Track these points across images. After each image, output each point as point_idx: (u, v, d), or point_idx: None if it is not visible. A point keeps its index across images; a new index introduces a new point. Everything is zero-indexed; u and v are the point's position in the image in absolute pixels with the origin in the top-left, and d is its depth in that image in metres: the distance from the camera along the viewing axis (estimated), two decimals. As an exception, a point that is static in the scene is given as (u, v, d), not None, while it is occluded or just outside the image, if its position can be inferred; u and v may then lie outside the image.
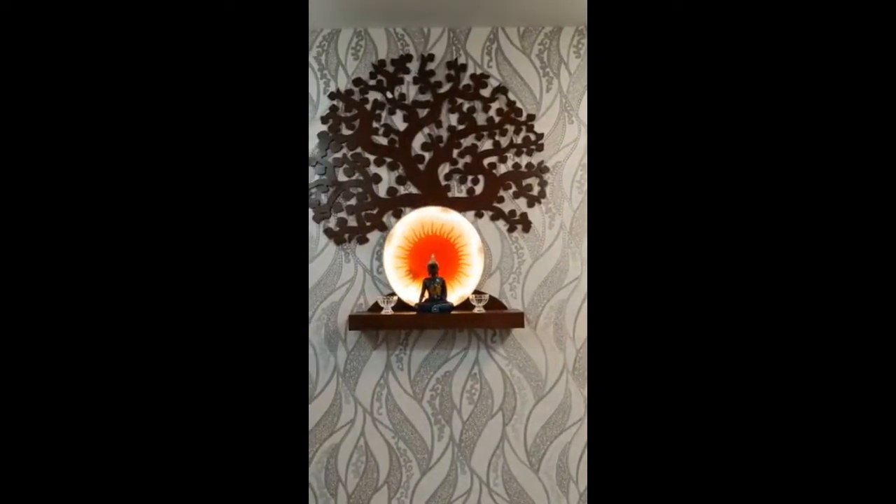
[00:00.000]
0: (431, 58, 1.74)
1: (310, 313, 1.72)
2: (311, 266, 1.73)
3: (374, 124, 1.73)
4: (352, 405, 1.71)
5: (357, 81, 1.73)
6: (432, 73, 1.73)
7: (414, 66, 1.74)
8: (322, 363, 1.72)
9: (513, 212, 1.71)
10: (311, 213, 1.73)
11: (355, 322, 1.56)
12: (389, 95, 1.73)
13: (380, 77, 1.73)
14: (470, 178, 1.72)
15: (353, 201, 1.72)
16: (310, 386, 1.72)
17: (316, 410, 1.71)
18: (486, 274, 1.71)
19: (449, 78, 1.73)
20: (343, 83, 1.74)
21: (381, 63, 1.74)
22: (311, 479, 1.70)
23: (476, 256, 1.68)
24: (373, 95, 1.73)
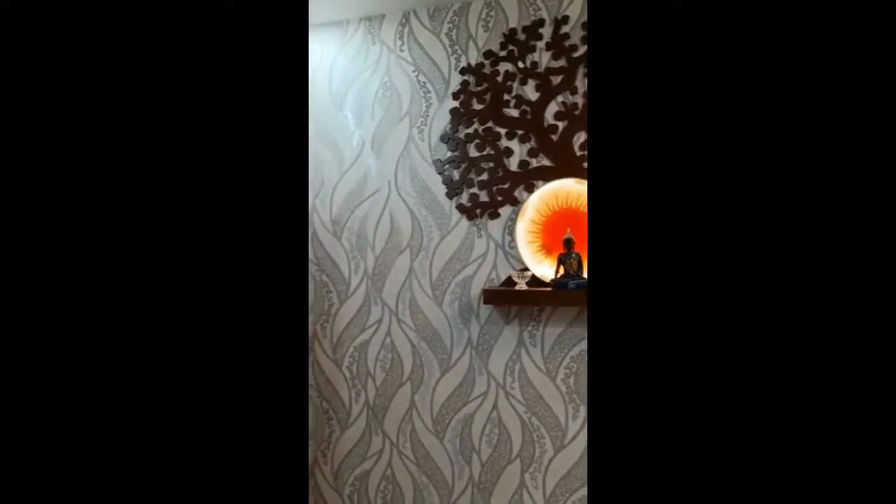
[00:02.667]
0: (566, 20, 1.64)
1: (444, 287, 1.78)
2: (444, 241, 1.78)
3: (506, 96, 1.69)
4: (485, 378, 1.74)
5: (488, 54, 1.71)
6: (566, 36, 1.63)
7: (547, 32, 1.66)
8: (456, 336, 1.77)
9: (658, 181, 1.56)
10: (443, 189, 1.77)
11: (490, 296, 1.57)
12: (521, 65, 1.68)
13: (511, 47, 1.68)
14: (608, 146, 1.60)
15: (484, 176, 1.72)
16: (445, 357, 1.79)
17: (452, 380, 1.78)
18: (627, 249, 1.59)
19: (585, 40, 1.62)
20: (474, 57, 1.73)
21: (513, 32, 1.69)
22: (447, 445, 1.79)
23: (615, 230, 1.57)
24: (504, 67, 1.70)
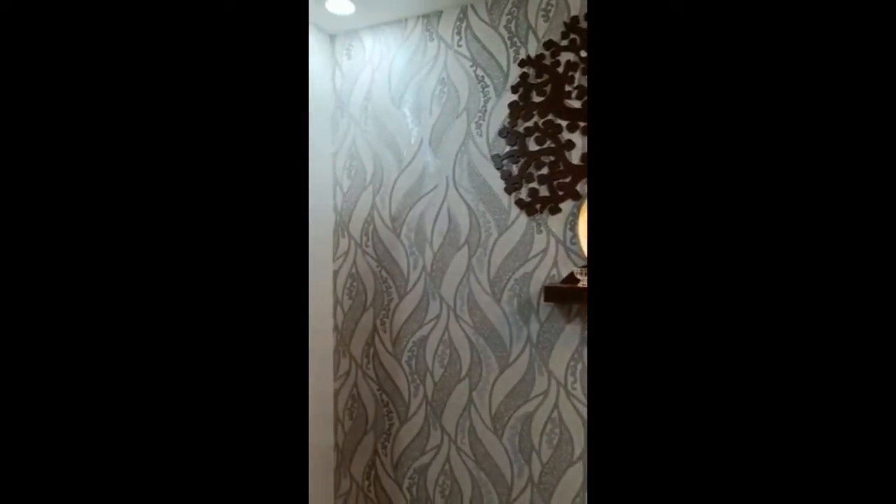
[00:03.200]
0: (632, 4, 1.55)
1: (502, 284, 1.76)
2: (503, 237, 1.76)
3: (567, 87, 1.64)
4: (545, 377, 1.70)
5: (548, 44, 1.66)
6: (633, 20, 1.55)
7: (611, 17, 1.58)
8: (515, 333, 1.75)
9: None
10: (502, 184, 1.75)
11: (551, 294, 1.53)
12: (583, 54, 1.62)
13: (572, 36, 1.63)
14: (679, 135, 1.50)
15: (544, 170, 1.68)
16: (503, 355, 1.77)
17: (511, 378, 1.76)
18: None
19: (653, 23, 1.53)
20: (533, 48, 1.69)
21: (574, 20, 1.63)
22: (506, 443, 1.77)
23: (687, 225, 1.48)
24: (565, 57, 1.64)
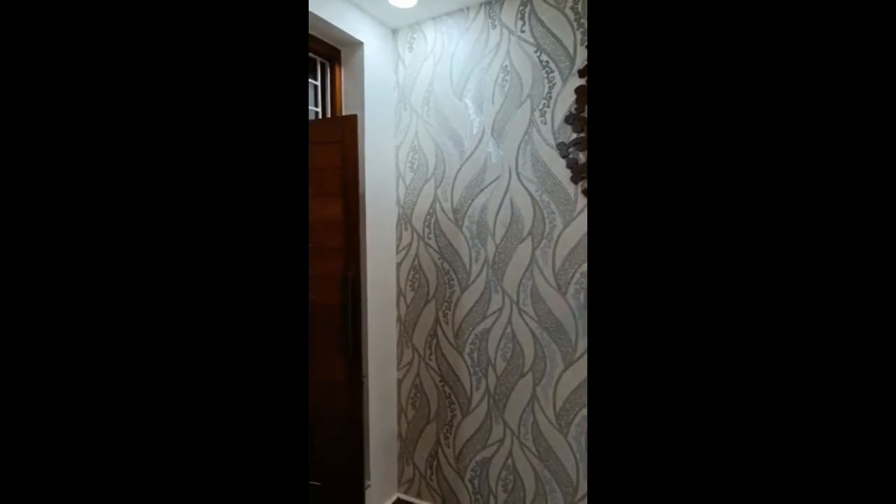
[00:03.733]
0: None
1: (567, 277, 1.70)
2: (568, 228, 1.69)
3: (639, 68, 1.54)
4: (613, 374, 1.62)
5: (618, 23, 1.57)
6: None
7: (690, -11, 1.46)
8: (581, 328, 1.68)
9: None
10: (567, 174, 1.68)
11: (620, 287, 1.45)
12: (658, 31, 1.51)
13: (645, 12, 1.52)
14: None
15: (613, 158, 1.59)
16: (569, 350, 1.71)
17: (576, 374, 1.70)
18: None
19: None
20: (602, 29, 1.60)
21: (648, -5, 1.52)
22: (571, 441, 1.71)
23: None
24: (637, 35, 1.54)
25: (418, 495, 2.10)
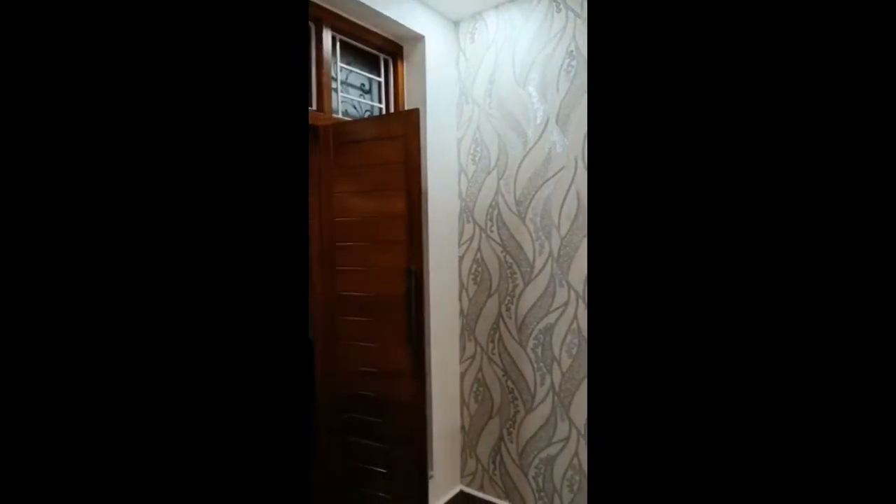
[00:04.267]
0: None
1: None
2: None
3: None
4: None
5: None
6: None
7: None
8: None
9: None
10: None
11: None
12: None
13: None
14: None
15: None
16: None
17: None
18: None
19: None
20: (678, 4, 1.49)
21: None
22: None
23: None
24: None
25: (481, 488, 2.10)
